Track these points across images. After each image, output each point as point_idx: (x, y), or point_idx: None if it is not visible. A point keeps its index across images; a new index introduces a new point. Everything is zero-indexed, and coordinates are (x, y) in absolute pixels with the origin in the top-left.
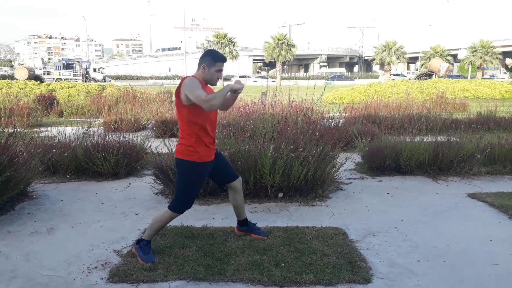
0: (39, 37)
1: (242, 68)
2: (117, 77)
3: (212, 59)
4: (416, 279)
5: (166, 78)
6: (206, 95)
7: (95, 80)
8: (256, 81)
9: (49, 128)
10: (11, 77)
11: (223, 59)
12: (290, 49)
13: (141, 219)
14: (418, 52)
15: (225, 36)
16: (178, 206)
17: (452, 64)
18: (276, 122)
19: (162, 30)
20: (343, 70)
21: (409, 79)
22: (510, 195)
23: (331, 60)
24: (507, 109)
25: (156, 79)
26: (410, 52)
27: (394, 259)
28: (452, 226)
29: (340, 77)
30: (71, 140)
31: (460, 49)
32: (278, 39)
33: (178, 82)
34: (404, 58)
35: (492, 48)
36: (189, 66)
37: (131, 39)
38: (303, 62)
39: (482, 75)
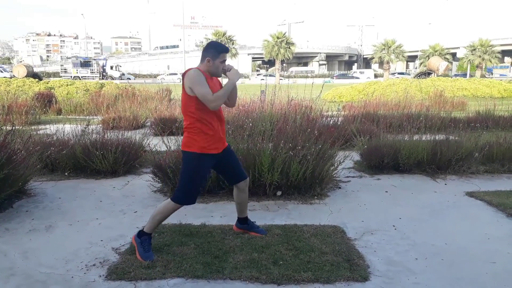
0: (37, 34)
1: (241, 66)
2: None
3: (216, 51)
4: (414, 277)
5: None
6: (211, 95)
7: (112, 78)
8: (263, 79)
9: (47, 126)
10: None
11: (226, 50)
12: (289, 47)
13: (139, 217)
14: (417, 51)
15: (224, 34)
16: (180, 197)
17: (451, 63)
18: (275, 120)
19: (161, 28)
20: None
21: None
22: (508, 193)
23: (330, 59)
24: (505, 108)
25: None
26: (409, 51)
27: (392, 257)
28: (450, 225)
29: (345, 76)
30: (69, 138)
31: (459, 47)
32: (277, 37)
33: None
34: (403, 56)
35: (491, 47)
36: (188, 64)
37: (130, 37)
38: (302, 61)
39: (489, 73)
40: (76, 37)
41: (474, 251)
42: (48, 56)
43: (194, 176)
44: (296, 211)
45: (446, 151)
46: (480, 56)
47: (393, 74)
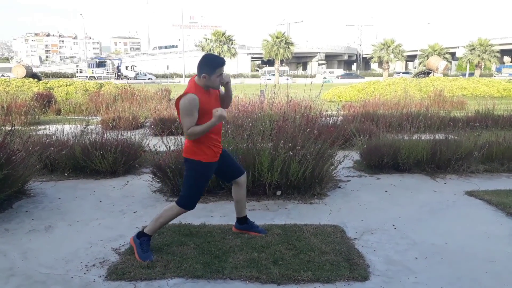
0: (36, 35)
1: (241, 66)
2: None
3: (212, 67)
4: (413, 276)
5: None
6: (190, 128)
7: (127, 78)
8: (270, 79)
9: (47, 126)
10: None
11: (222, 63)
12: (289, 47)
13: (139, 217)
14: (417, 50)
15: (223, 34)
16: (185, 202)
17: (450, 62)
18: (275, 120)
19: (160, 28)
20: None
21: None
22: (508, 192)
23: (330, 58)
24: (505, 107)
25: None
26: (408, 50)
27: (392, 257)
28: (449, 224)
29: (349, 75)
30: (69, 138)
31: (458, 47)
32: (277, 37)
33: (180, 80)
34: (402, 56)
35: (490, 47)
36: (187, 64)
37: (129, 37)
38: (302, 60)
39: (498, 72)
40: (75, 37)
41: (474, 250)
42: (47, 57)
43: (198, 183)
44: (295, 210)
45: (446, 150)
46: (479, 56)
47: (398, 73)
